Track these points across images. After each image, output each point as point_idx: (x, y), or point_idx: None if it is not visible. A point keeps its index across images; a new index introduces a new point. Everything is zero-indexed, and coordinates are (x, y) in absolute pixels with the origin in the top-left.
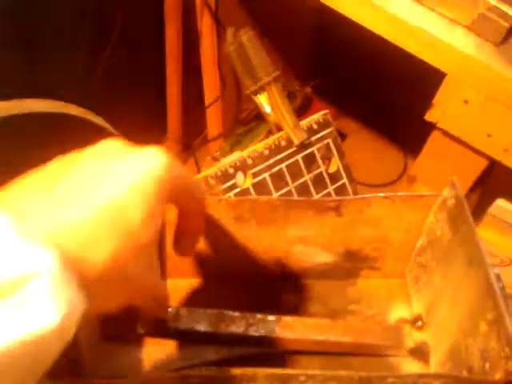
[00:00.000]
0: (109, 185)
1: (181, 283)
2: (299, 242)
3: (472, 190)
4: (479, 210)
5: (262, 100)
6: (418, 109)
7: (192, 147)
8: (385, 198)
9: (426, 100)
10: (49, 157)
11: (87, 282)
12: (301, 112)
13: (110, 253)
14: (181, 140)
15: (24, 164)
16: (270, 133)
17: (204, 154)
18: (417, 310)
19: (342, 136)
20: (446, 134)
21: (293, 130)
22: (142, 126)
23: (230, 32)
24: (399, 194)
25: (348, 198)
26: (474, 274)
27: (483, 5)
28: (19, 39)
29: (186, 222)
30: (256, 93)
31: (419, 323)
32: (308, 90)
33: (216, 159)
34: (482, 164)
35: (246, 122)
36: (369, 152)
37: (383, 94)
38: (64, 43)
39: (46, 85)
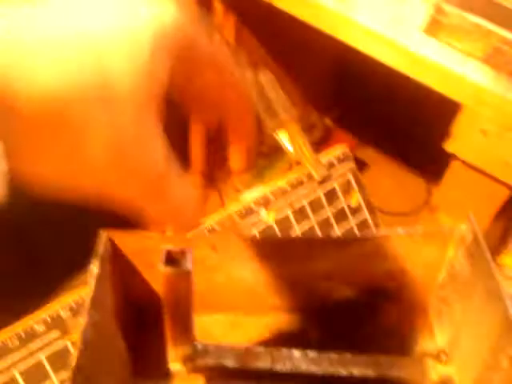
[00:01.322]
0: (92, 14)
1: (207, 319)
2: (322, 277)
3: (498, 217)
4: (507, 237)
5: (283, 138)
6: (438, 135)
7: (215, 179)
8: (404, 234)
9: (446, 127)
10: None
11: (11, 112)
12: (321, 143)
13: (52, 79)
14: (204, 172)
15: None
16: (291, 165)
17: (227, 185)
18: (440, 343)
19: (364, 165)
20: (465, 163)
21: (313, 166)
22: None
23: (249, 73)
24: (418, 229)
25: (367, 234)
26: (494, 308)
27: (496, 38)
28: None
29: (230, 125)
30: (276, 131)
31: (443, 357)
32: (328, 121)
33: (239, 191)
34: (504, 193)
35: (268, 153)
36: (391, 180)
37: (403, 122)
38: None
39: None
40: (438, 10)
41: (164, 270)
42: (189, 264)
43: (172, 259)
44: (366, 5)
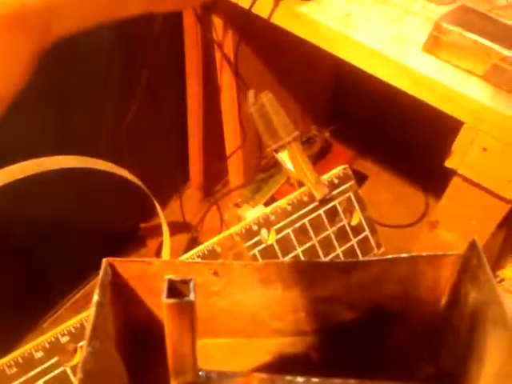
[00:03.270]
0: None
1: (209, 343)
2: (325, 301)
3: (497, 230)
4: (506, 251)
5: (284, 157)
6: (437, 149)
7: (214, 194)
8: (408, 258)
9: (445, 140)
10: None
11: None
12: (320, 156)
13: None
14: (203, 187)
15: None
16: (289, 179)
17: (226, 200)
18: (445, 366)
19: (363, 177)
20: (466, 179)
21: (314, 185)
22: (166, 174)
23: (251, 94)
24: (423, 254)
25: (372, 259)
26: (499, 335)
27: (496, 55)
28: (50, 98)
29: None
30: (277, 151)
31: (447, 381)
32: (327, 134)
33: (238, 206)
34: (504, 208)
35: (266, 168)
36: (390, 193)
37: (402, 135)
38: (93, 100)
39: (76, 139)
40: (438, 28)
41: (166, 301)
42: (191, 295)
43: (174, 289)
44: (365, 23)
